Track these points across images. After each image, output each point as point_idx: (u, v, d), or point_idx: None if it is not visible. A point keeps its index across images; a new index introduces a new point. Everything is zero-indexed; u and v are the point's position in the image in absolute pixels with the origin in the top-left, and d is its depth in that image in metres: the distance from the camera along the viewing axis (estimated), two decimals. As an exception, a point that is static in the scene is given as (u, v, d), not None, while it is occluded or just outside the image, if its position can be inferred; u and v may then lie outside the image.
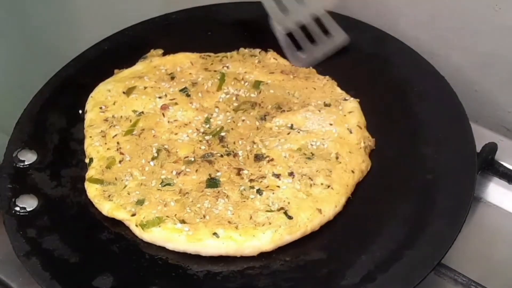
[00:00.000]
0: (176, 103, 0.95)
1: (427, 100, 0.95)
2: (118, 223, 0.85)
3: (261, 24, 1.06)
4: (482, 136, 0.93)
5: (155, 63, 1.01)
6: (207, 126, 0.93)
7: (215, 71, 0.99)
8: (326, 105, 0.94)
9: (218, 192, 0.85)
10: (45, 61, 1.04)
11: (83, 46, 1.04)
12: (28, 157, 0.91)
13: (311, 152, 0.89)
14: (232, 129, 0.92)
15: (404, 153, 0.90)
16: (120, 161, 0.89)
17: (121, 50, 1.04)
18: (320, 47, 1.01)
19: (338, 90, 0.97)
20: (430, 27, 1.05)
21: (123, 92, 0.96)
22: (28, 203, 0.86)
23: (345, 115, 0.93)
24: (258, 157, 0.88)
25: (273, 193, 0.84)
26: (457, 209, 0.82)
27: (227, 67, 1.00)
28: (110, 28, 1.06)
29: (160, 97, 0.96)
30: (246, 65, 1.00)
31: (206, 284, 0.80)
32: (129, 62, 1.01)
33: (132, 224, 0.84)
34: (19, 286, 0.88)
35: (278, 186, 0.85)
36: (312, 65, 1.00)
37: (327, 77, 0.98)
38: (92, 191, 0.87)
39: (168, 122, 0.93)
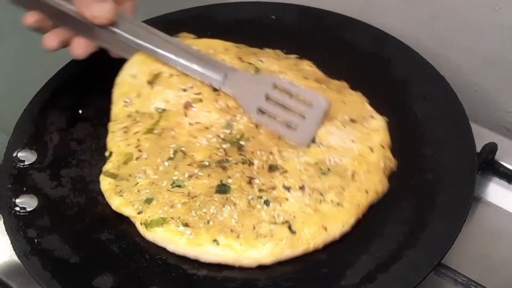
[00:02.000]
0: (201, 100, 0.93)
1: (427, 100, 0.95)
2: (118, 223, 0.85)
3: (261, 24, 1.07)
4: (482, 136, 0.93)
5: (186, 42, 0.99)
6: (228, 131, 0.90)
7: (249, 63, 0.97)
8: (352, 121, 0.91)
9: (227, 198, 0.83)
10: (45, 61, 1.04)
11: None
12: (28, 157, 0.91)
13: (328, 168, 0.86)
14: (252, 137, 0.89)
15: (404, 153, 0.90)
16: (137, 158, 0.88)
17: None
18: (309, 119, 0.89)
19: (368, 107, 0.94)
20: (430, 27, 1.05)
21: (148, 82, 0.95)
22: (28, 203, 0.86)
23: (369, 133, 0.90)
24: (272, 168, 0.86)
25: (280, 205, 0.83)
26: (457, 209, 0.82)
27: (261, 61, 0.97)
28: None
29: (185, 90, 0.94)
30: (281, 64, 0.98)
31: (206, 284, 0.80)
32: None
33: (137, 222, 0.84)
34: (19, 286, 0.88)
35: (287, 199, 0.83)
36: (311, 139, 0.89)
37: (359, 93, 0.96)
38: (105, 184, 0.87)
39: (190, 124, 0.91)
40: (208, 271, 0.81)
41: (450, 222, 0.81)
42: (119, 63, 1.01)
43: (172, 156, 0.88)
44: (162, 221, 0.82)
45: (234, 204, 0.83)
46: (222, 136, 0.90)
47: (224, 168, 0.86)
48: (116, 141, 0.91)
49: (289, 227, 0.81)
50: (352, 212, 0.83)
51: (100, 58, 1.02)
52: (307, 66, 1.00)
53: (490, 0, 0.97)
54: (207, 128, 0.91)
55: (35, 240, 0.83)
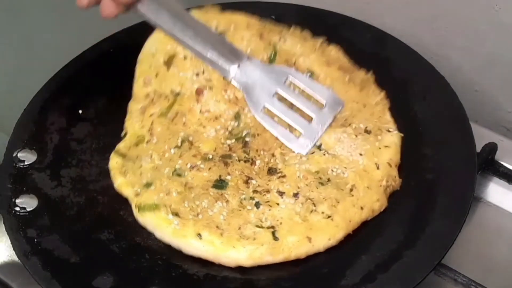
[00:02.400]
0: (211, 87, 0.91)
1: (427, 100, 0.95)
2: (118, 223, 0.85)
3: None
4: (482, 136, 0.93)
5: (208, 15, 0.96)
6: (236, 124, 0.90)
7: (270, 42, 0.93)
8: (366, 131, 0.88)
9: (221, 194, 0.84)
10: (45, 61, 1.04)
11: (83, 46, 1.04)
12: (28, 157, 0.91)
13: (328, 178, 0.84)
14: (258, 134, 0.88)
15: (404, 153, 0.90)
16: (147, 142, 0.89)
17: (121, 50, 1.04)
18: (315, 125, 0.85)
19: (387, 117, 0.90)
20: (430, 27, 1.05)
21: (164, 62, 0.94)
22: (28, 203, 0.86)
23: (380, 148, 0.87)
24: (271, 171, 0.86)
25: (269, 209, 0.82)
26: (457, 209, 0.82)
27: (284, 39, 0.94)
28: (110, 28, 1.06)
29: (197, 74, 0.92)
30: (306, 45, 0.94)
31: (206, 284, 0.80)
32: (129, 62, 1.01)
33: (133, 204, 0.84)
34: (19, 286, 0.88)
35: (278, 204, 0.83)
36: (314, 145, 0.85)
37: (383, 93, 0.92)
38: (113, 163, 0.88)
39: (200, 112, 0.91)
40: (208, 271, 0.80)
41: (450, 222, 0.81)
42: (120, 63, 1.01)
43: (179, 144, 0.88)
44: (154, 207, 0.82)
45: (227, 201, 0.83)
46: (229, 128, 0.90)
47: (226, 164, 0.86)
48: (132, 122, 0.92)
49: (273, 233, 0.80)
50: (341, 226, 0.81)
51: (100, 59, 1.03)
52: (333, 51, 0.96)
53: (490, 0, 0.97)
54: (216, 118, 0.90)
55: (35, 240, 0.83)
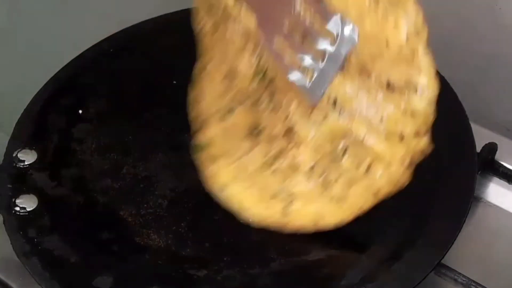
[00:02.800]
0: (230, 14, 0.82)
1: (427, 100, 0.94)
2: (118, 223, 0.85)
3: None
4: (482, 136, 0.93)
5: None
6: (258, 59, 0.80)
7: None
8: (389, 86, 0.71)
9: (253, 147, 0.83)
10: (45, 61, 1.04)
11: (83, 46, 1.04)
12: (28, 157, 0.91)
13: (345, 149, 0.77)
14: (277, 76, 0.78)
15: (404, 153, 0.90)
16: (205, 68, 0.87)
17: (121, 50, 1.04)
18: (327, 63, 0.69)
19: (420, 59, 0.71)
20: (430, 27, 1.05)
21: None
22: (28, 203, 0.86)
23: (406, 114, 0.72)
24: (288, 133, 0.81)
25: (284, 181, 0.82)
26: (457, 209, 0.82)
27: None
28: (110, 28, 1.06)
29: None
30: None
31: (206, 284, 0.80)
32: (129, 62, 1.01)
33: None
34: (19, 286, 0.87)
35: (292, 177, 0.82)
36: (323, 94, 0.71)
37: (421, 15, 0.71)
38: (191, 91, 0.88)
39: (232, 41, 0.83)
40: (208, 271, 0.81)
41: (450, 222, 0.81)
42: (120, 63, 1.01)
43: (225, 77, 0.85)
44: (202, 148, 0.84)
45: (255, 156, 0.83)
46: (254, 61, 0.81)
47: (255, 111, 0.83)
48: (200, 42, 0.86)
49: (284, 208, 0.81)
50: (350, 212, 0.80)
51: (100, 59, 1.03)
52: None
53: (491, 0, 0.97)
54: (242, 48, 0.82)
55: (35, 240, 0.83)
